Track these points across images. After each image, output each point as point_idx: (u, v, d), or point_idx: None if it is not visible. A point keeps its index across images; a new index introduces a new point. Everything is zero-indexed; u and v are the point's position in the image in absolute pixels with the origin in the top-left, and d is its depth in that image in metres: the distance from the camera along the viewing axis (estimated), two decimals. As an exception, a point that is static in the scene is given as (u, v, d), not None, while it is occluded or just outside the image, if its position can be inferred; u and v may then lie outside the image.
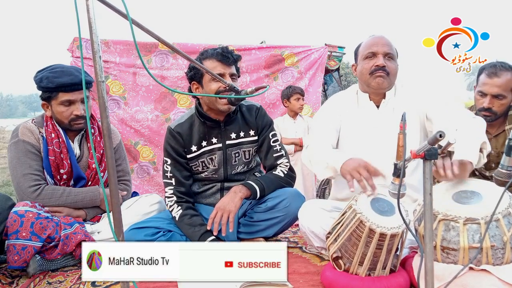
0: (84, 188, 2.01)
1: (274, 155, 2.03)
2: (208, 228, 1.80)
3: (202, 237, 1.79)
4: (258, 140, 2.04)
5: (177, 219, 1.89)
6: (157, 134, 4.07)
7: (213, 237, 1.80)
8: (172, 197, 1.94)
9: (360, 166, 1.51)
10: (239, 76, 2.00)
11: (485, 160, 1.54)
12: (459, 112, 1.73)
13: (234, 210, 1.80)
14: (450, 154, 1.83)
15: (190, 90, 2.01)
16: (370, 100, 1.89)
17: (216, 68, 1.86)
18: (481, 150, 1.51)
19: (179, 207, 1.91)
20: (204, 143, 1.97)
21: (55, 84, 1.88)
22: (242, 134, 2.00)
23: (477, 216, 1.28)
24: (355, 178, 1.50)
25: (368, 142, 1.83)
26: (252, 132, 2.02)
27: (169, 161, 1.97)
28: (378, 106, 1.88)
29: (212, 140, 1.98)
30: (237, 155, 2.01)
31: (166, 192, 1.96)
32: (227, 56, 1.87)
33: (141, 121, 4.05)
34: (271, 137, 2.04)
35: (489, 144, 1.55)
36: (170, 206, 1.94)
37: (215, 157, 1.99)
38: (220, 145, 1.98)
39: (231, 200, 1.83)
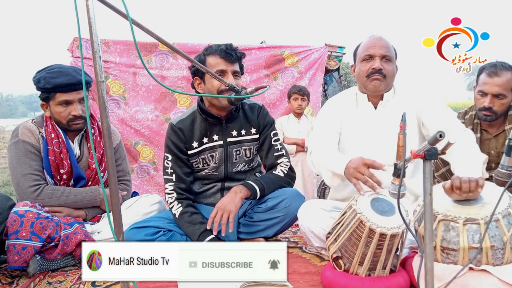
0: (84, 188, 2.01)
1: (275, 154, 2.03)
2: (208, 227, 1.80)
3: (201, 236, 1.79)
4: (259, 138, 2.04)
5: (177, 216, 1.89)
6: (157, 134, 4.07)
7: (212, 236, 1.80)
8: (172, 193, 1.94)
9: (359, 165, 1.51)
10: (242, 74, 2.00)
11: (486, 175, 1.58)
12: (452, 123, 1.77)
13: (234, 210, 1.80)
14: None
15: (192, 85, 2.01)
16: (369, 101, 1.89)
17: (219, 64, 1.86)
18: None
19: (179, 205, 1.91)
20: (205, 140, 1.97)
21: (52, 85, 1.88)
22: (243, 132, 2.01)
23: (476, 216, 1.28)
24: (360, 180, 1.50)
25: (367, 143, 1.83)
26: (253, 130, 2.02)
27: (170, 157, 1.97)
28: (376, 107, 1.88)
29: (213, 136, 1.98)
30: (238, 152, 2.01)
31: (166, 188, 1.96)
32: (230, 54, 1.86)
33: (141, 121, 4.05)
34: (272, 136, 2.04)
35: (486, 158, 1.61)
36: (170, 203, 1.94)
37: (216, 154, 1.99)
38: (221, 142, 1.98)
39: (232, 200, 1.83)
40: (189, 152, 1.98)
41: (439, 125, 1.72)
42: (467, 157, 1.53)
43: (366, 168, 1.50)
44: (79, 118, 1.96)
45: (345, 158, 1.63)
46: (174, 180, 1.95)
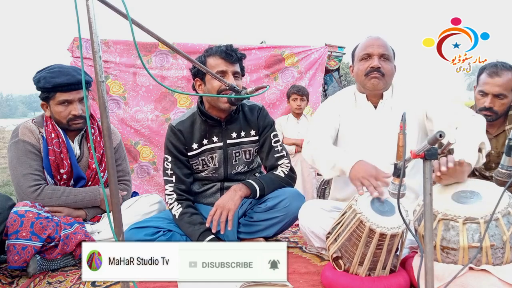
0: (84, 188, 2.01)
1: (275, 155, 2.03)
2: (207, 225, 1.80)
3: (201, 236, 1.79)
4: (259, 140, 2.04)
5: (177, 217, 1.89)
6: (157, 134, 4.07)
7: (212, 236, 1.80)
8: (172, 194, 1.94)
9: (371, 176, 1.50)
10: (243, 75, 2.00)
11: (484, 160, 1.55)
12: (460, 111, 1.73)
13: (234, 208, 1.81)
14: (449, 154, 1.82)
15: (193, 87, 2.01)
16: (368, 100, 1.89)
17: (219, 65, 1.86)
18: (480, 150, 1.52)
19: (179, 205, 1.91)
20: (205, 141, 1.97)
21: (52, 84, 1.89)
22: (243, 133, 2.00)
23: (476, 215, 1.28)
24: (364, 185, 1.50)
25: (367, 143, 1.83)
26: (253, 132, 2.02)
27: (169, 159, 1.97)
28: (375, 107, 1.88)
29: (213, 138, 1.98)
30: (237, 154, 2.01)
31: (166, 189, 1.96)
32: (230, 54, 1.87)
33: (141, 121, 4.05)
34: (272, 138, 2.04)
35: (489, 143, 1.56)
36: (170, 204, 1.94)
37: (216, 156, 1.99)
38: (221, 144, 1.98)
39: (231, 199, 1.83)
40: (189, 154, 1.98)
41: (447, 115, 1.71)
42: (462, 142, 1.51)
43: (375, 180, 1.49)
44: (79, 118, 1.96)
45: (353, 156, 1.63)
46: (174, 181, 1.95)
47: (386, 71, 1.80)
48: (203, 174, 2.03)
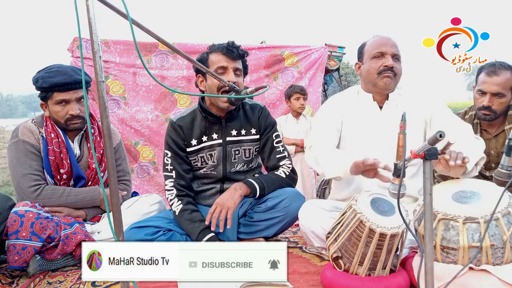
0: (84, 188, 2.01)
1: (277, 156, 2.03)
2: (207, 223, 1.81)
3: (201, 234, 1.79)
4: (260, 139, 2.04)
5: (177, 213, 1.89)
6: (157, 134, 4.07)
7: (212, 234, 1.80)
8: (172, 189, 1.94)
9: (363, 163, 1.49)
10: (246, 73, 2.00)
11: (476, 173, 1.58)
12: (465, 129, 1.76)
13: (233, 206, 1.81)
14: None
15: (196, 83, 2.01)
16: (374, 100, 1.88)
17: (220, 61, 1.87)
18: (476, 165, 1.57)
19: (179, 202, 1.91)
20: (204, 138, 1.98)
21: (49, 84, 1.89)
22: (243, 132, 2.00)
23: (476, 215, 1.28)
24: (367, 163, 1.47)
25: (371, 143, 1.82)
26: (253, 131, 2.02)
27: (169, 154, 1.97)
28: (381, 107, 1.88)
29: (212, 135, 1.98)
30: (237, 152, 2.01)
31: (166, 185, 1.97)
32: (231, 50, 1.87)
33: (141, 121, 4.05)
34: (274, 138, 2.04)
35: (483, 163, 1.62)
36: (171, 200, 1.94)
37: (215, 153, 1.99)
38: (220, 141, 1.98)
39: (231, 197, 1.83)
40: (188, 150, 1.98)
41: (452, 130, 1.72)
42: (467, 148, 1.54)
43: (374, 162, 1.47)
44: (76, 118, 1.96)
45: (355, 155, 1.61)
46: (174, 176, 1.96)
47: (397, 71, 1.81)
48: (201, 171, 2.03)
